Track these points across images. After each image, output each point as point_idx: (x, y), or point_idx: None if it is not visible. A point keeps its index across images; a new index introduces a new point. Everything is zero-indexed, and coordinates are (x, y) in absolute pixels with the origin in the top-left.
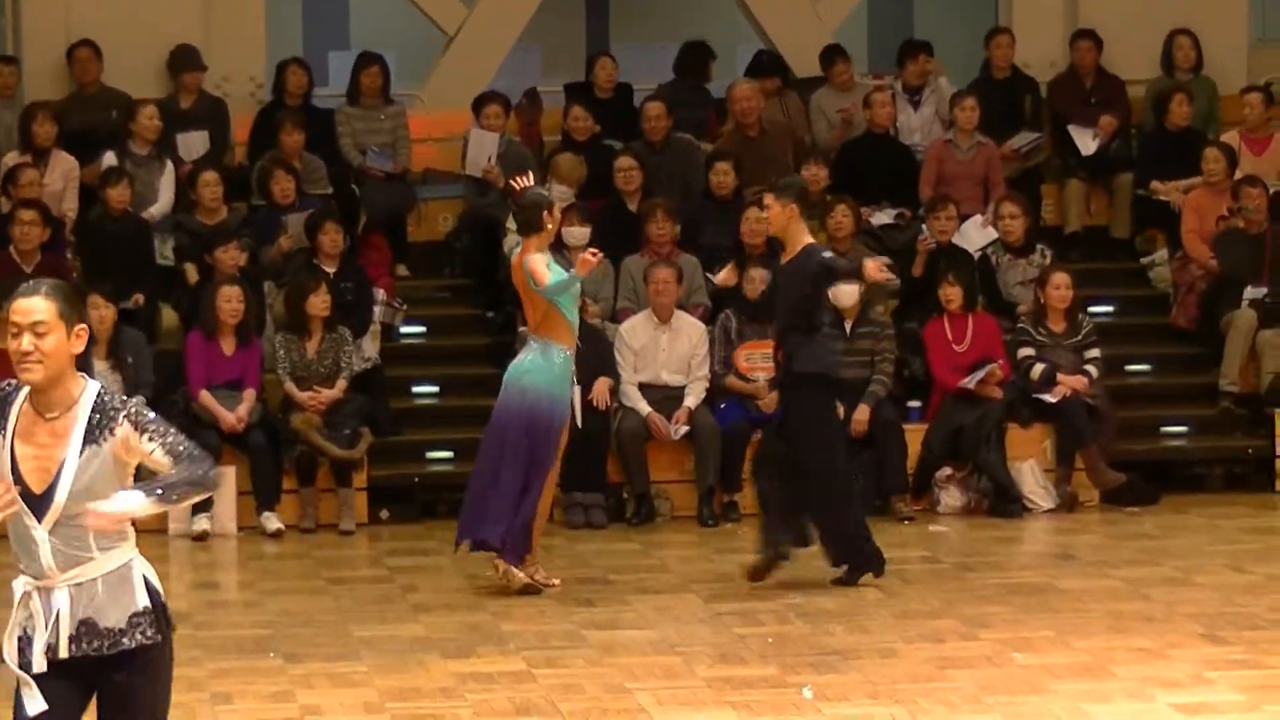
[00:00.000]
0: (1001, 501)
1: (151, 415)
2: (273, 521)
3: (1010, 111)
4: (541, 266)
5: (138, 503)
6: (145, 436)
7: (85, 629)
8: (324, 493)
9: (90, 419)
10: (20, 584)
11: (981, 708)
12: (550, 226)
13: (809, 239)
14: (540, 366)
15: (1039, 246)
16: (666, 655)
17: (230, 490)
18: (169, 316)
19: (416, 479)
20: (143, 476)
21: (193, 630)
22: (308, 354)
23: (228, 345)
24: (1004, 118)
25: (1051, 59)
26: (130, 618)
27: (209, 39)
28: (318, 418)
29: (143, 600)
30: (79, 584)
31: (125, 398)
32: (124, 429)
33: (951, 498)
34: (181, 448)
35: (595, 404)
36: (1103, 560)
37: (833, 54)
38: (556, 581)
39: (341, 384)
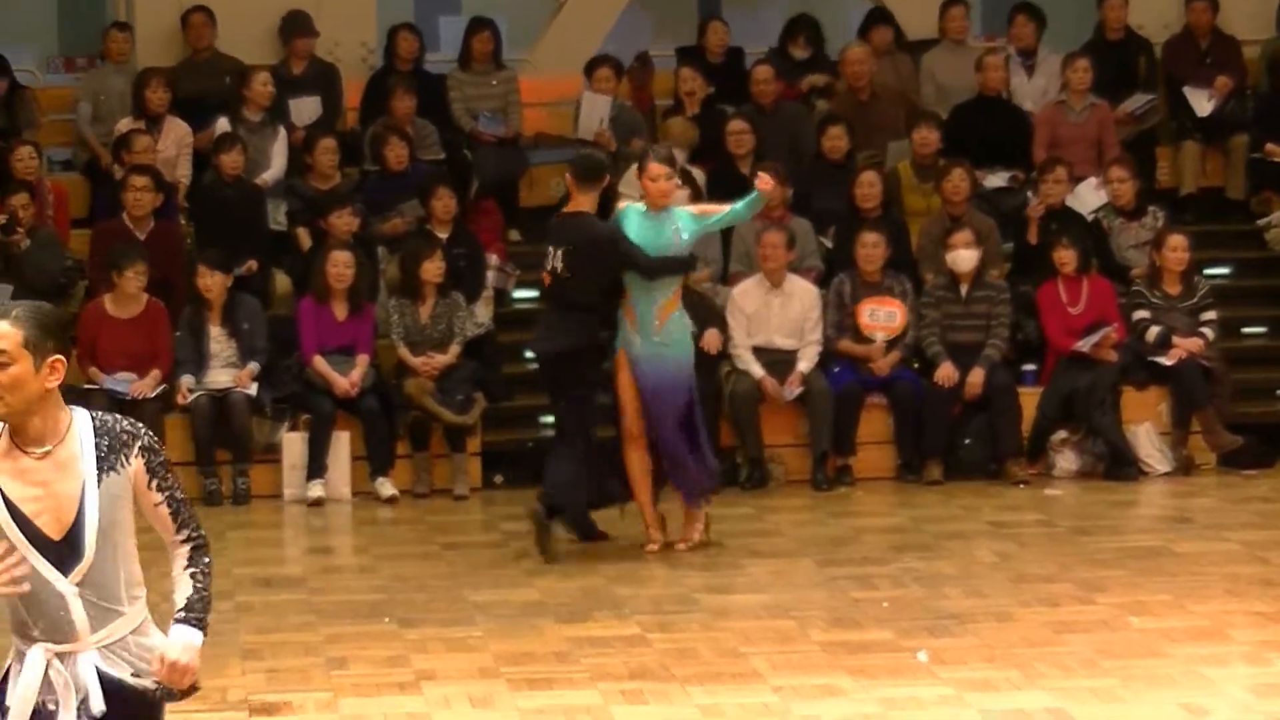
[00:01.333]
0: (1117, 465)
1: (161, 457)
2: (386, 487)
3: (1124, 73)
4: None
5: (198, 639)
6: (155, 482)
7: (119, 696)
8: (437, 458)
9: (99, 445)
10: (35, 654)
11: (1098, 672)
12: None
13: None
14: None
15: (1151, 209)
16: (781, 619)
17: (344, 455)
18: (282, 282)
19: (530, 444)
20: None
21: (308, 595)
22: (421, 319)
23: (340, 310)
24: (1118, 80)
25: (1166, 20)
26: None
27: (320, 4)
28: (431, 383)
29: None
30: (110, 644)
31: (133, 423)
32: (138, 461)
33: (1067, 461)
34: (183, 511)
35: (706, 349)
36: (1219, 524)
37: (949, 3)
38: (684, 546)
39: (455, 349)
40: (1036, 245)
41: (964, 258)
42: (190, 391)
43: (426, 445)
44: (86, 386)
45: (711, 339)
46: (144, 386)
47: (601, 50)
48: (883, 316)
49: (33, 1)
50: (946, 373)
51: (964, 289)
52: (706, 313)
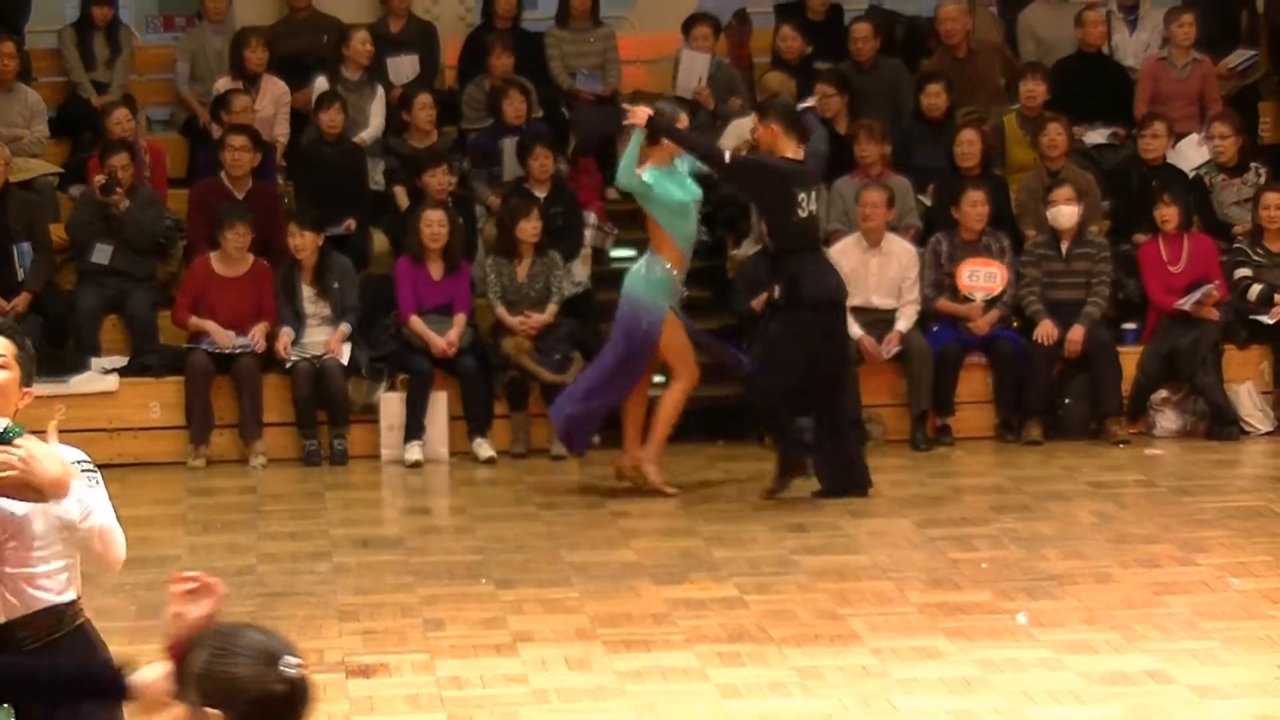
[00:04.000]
0: (1218, 424)
1: None
2: (484, 447)
3: (1226, 28)
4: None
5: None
6: None
7: None
8: (535, 417)
9: None
10: None
11: (1198, 633)
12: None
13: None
14: (641, 276)
15: (1253, 165)
16: (879, 580)
17: (442, 416)
18: (380, 241)
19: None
20: None
21: (405, 556)
22: (518, 278)
23: (436, 270)
24: (1220, 34)
25: None
26: None
27: None
28: (529, 342)
29: None
30: None
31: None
32: None
33: (1168, 420)
34: None
35: None
36: None
37: None
38: (672, 491)
39: (552, 308)
40: (1137, 203)
41: (1065, 214)
42: (291, 345)
43: (524, 405)
44: (187, 346)
45: None
46: (258, 335)
47: (700, 7)
48: (982, 277)
49: None
50: (1046, 331)
51: (1065, 246)
52: None
